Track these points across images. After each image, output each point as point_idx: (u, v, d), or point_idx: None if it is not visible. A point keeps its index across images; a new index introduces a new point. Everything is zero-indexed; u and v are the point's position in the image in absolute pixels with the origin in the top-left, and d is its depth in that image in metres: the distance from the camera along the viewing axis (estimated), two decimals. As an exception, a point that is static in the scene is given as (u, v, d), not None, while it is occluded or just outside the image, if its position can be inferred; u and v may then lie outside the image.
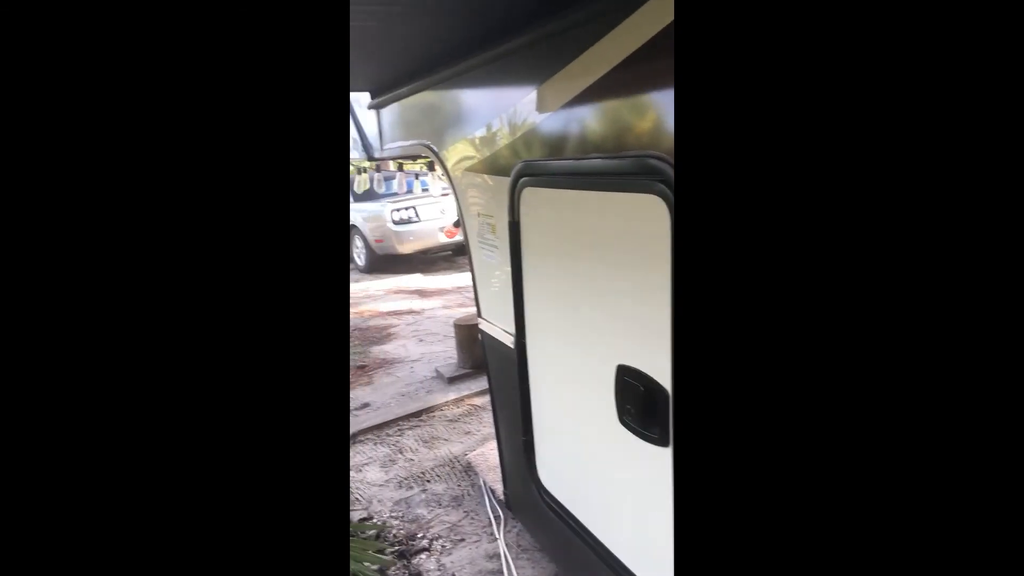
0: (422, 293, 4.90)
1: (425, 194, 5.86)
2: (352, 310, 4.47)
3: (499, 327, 1.60)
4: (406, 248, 5.56)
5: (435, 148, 1.77)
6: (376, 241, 5.62)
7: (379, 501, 2.03)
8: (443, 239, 5.66)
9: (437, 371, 3.09)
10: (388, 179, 5.23)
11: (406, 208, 5.52)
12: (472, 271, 1.73)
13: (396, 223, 5.47)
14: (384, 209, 5.49)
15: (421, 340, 3.64)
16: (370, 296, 4.91)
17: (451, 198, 5.70)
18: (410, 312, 4.34)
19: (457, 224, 5.47)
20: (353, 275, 5.80)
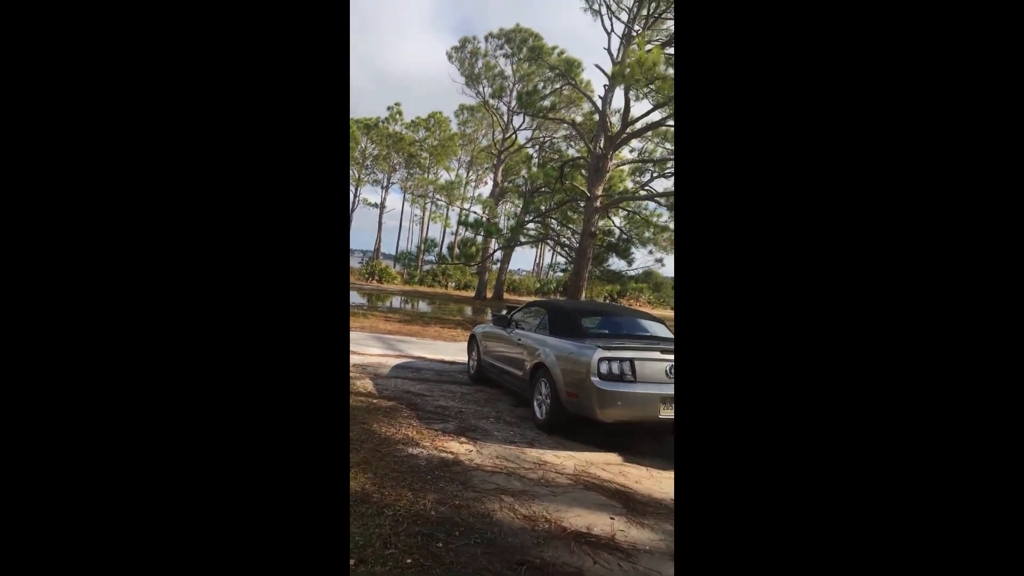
0: (627, 501, 3.10)
1: (656, 343, 4.23)
2: (520, 509, 2.84)
3: None
4: (608, 415, 3.88)
5: None
6: (568, 394, 4.06)
7: None
8: (663, 413, 3.88)
9: None
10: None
11: (621, 360, 3.90)
12: None
13: (603, 377, 3.86)
14: (589, 355, 3.94)
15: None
16: (548, 482, 3.25)
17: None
18: (611, 544, 2.55)
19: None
20: (528, 433, 4.25)
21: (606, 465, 3.70)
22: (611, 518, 2.86)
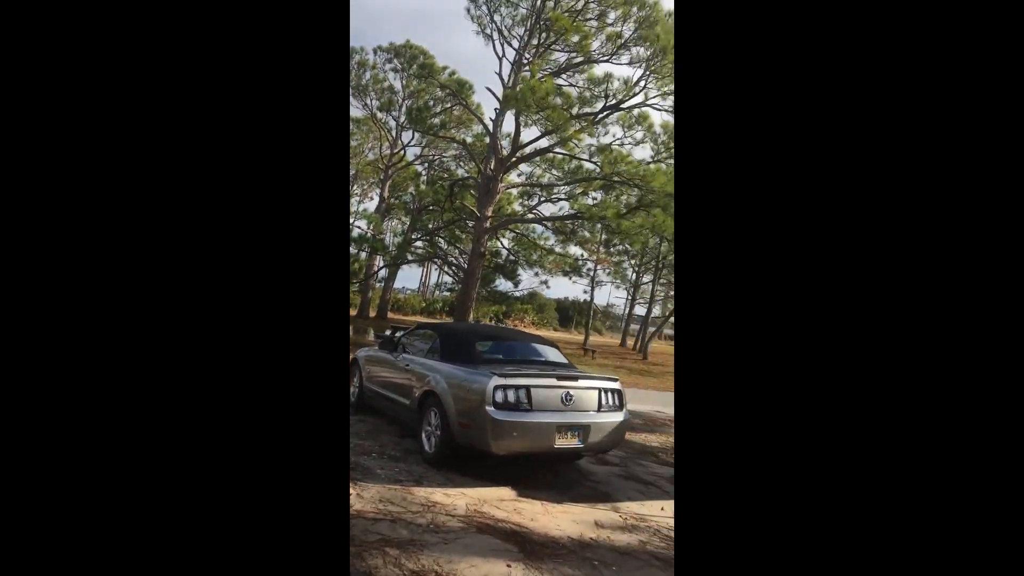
0: (523, 543, 2.88)
1: (552, 369, 4.10)
2: (407, 564, 2.49)
3: None
4: (503, 447, 3.67)
5: None
6: (461, 424, 3.78)
7: None
8: (559, 442, 3.74)
9: None
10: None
11: (517, 388, 3.71)
12: None
13: (498, 407, 3.64)
14: (484, 382, 3.71)
15: None
16: (438, 527, 2.93)
17: (584, 382, 3.82)
18: (510, 598, 2.30)
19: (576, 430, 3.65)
20: (415, 469, 3.89)
21: (499, 502, 3.46)
22: (507, 565, 2.61)
